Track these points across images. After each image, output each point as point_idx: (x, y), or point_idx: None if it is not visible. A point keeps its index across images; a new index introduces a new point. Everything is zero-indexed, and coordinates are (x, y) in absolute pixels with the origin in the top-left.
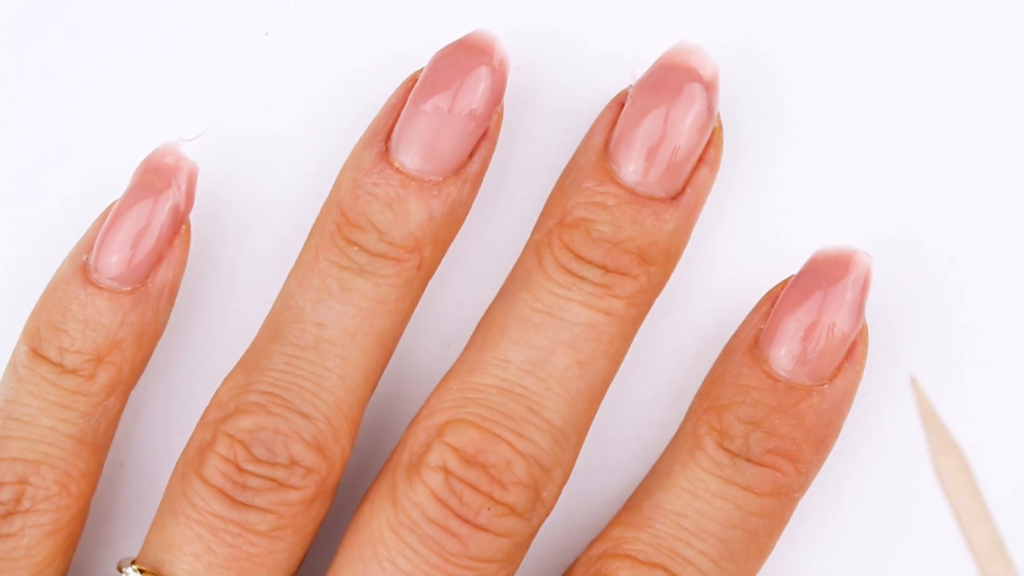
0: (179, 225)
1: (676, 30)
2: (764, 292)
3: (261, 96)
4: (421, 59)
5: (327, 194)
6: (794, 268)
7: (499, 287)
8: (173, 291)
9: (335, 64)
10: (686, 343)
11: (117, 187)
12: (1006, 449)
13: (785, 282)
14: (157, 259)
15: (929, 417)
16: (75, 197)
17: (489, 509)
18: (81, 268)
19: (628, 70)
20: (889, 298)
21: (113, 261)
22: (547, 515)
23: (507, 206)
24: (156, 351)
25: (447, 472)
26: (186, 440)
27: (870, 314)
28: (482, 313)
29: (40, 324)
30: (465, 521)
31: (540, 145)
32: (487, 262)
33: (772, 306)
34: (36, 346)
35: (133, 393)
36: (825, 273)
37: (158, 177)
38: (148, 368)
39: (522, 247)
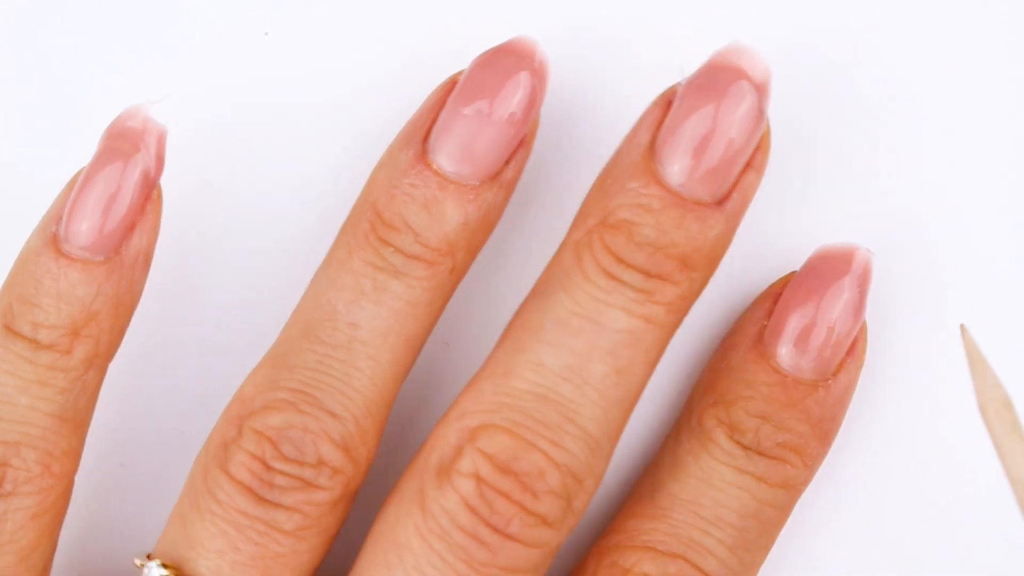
0: (150, 190)
1: (688, 29)
2: (757, 288)
3: (260, 96)
4: (421, 58)
5: (327, 193)
6: (788, 264)
7: (501, 285)
8: (147, 259)
9: (335, 64)
10: (680, 338)
11: None
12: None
13: (786, 279)
14: (129, 226)
15: (978, 362)
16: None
17: (520, 519)
18: (51, 239)
19: (676, 67)
20: (885, 294)
21: (83, 229)
22: (576, 524)
23: (513, 206)
24: (161, 349)
25: (479, 479)
26: (190, 438)
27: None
28: (484, 311)
29: (12, 300)
30: (495, 530)
31: (552, 146)
32: (489, 261)
33: (774, 304)
34: (9, 322)
35: (136, 392)
36: (828, 270)
37: (126, 142)
38: (152, 365)
39: (522, 246)
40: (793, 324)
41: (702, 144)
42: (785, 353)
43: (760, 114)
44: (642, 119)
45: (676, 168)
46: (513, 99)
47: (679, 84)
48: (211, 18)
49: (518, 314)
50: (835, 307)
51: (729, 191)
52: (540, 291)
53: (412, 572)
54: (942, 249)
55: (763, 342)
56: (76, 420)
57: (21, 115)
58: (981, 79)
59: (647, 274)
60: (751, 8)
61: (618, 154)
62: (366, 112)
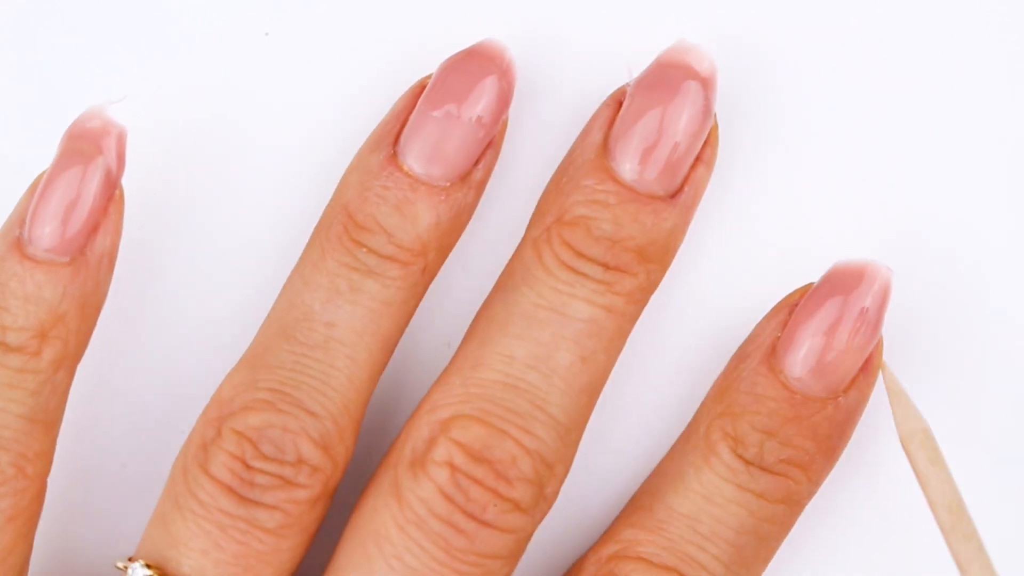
0: (112, 191)
1: (673, 29)
2: (766, 295)
3: (260, 96)
4: (420, 58)
5: (324, 194)
6: (797, 271)
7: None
8: (112, 258)
9: (335, 64)
10: (688, 345)
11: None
12: (1009, 451)
13: (802, 291)
14: (93, 227)
15: (898, 396)
16: None
17: (495, 505)
18: (15, 243)
19: (624, 67)
20: (898, 304)
21: (47, 232)
22: (548, 510)
23: (501, 205)
24: (153, 351)
25: (453, 468)
26: (169, 439)
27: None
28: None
29: None
30: (471, 517)
31: (535, 144)
32: (491, 263)
33: (788, 315)
34: None
35: (132, 394)
36: (845, 285)
37: (86, 143)
38: (145, 368)
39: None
40: (804, 338)
41: (654, 140)
42: (795, 367)
43: (707, 110)
44: (593, 119)
45: (629, 165)
46: (481, 101)
47: (627, 84)
48: (211, 18)
49: (483, 309)
50: (849, 323)
51: (681, 185)
52: (503, 286)
53: (392, 561)
54: (957, 263)
55: (775, 355)
56: (47, 421)
57: (21, 115)
58: (987, 75)
59: (606, 266)
60: (747, 7)
61: (571, 153)
62: (366, 112)
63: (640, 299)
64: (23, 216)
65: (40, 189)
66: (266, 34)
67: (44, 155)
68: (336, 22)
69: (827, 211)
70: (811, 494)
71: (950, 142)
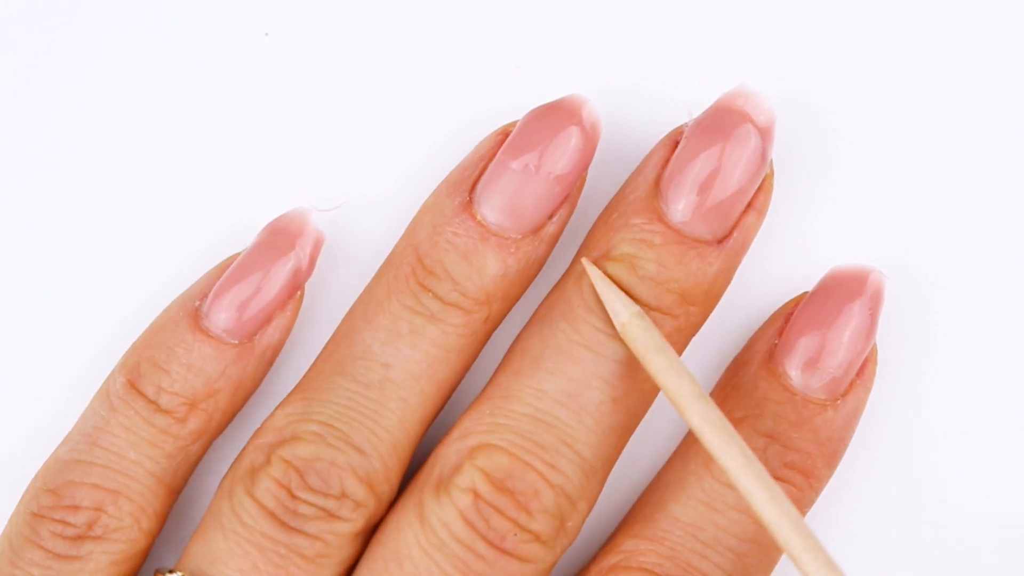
0: (296, 290)
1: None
2: (769, 309)
3: (260, 97)
4: (421, 59)
5: (323, 195)
6: (800, 285)
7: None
8: (275, 352)
9: (335, 64)
10: (690, 354)
11: (112, 187)
12: (1007, 455)
13: (798, 299)
14: (268, 319)
15: (605, 288)
16: (71, 198)
17: (515, 535)
18: (193, 313)
19: (684, 107)
20: (891, 315)
21: (224, 315)
22: (569, 544)
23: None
24: None
25: (476, 495)
26: (217, 457)
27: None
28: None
29: (142, 360)
30: (491, 544)
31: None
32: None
33: (786, 322)
34: (135, 380)
35: None
36: (840, 290)
37: (283, 239)
38: None
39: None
40: (803, 343)
41: (705, 184)
42: (796, 371)
43: (763, 157)
44: (648, 157)
45: (679, 206)
46: (561, 157)
47: (685, 124)
48: (211, 18)
49: (519, 340)
50: (847, 328)
51: (730, 230)
52: (542, 318)
53: None
54: (949, 270)
55: (774, 360)
56: (172, 486)
57: (21, 115)
58: (984, 92)
59: (648, 307)
60: (753, 19)
61: (623, 190)
62: (367, 113)
63: (679, 341)
64: (206, 290)
65: (230, 272)
66: (266, 34)
67: (43, 155)
68: (336, 22)
69: (820, 222)
70: (811, 502)
71: (950, 150)
